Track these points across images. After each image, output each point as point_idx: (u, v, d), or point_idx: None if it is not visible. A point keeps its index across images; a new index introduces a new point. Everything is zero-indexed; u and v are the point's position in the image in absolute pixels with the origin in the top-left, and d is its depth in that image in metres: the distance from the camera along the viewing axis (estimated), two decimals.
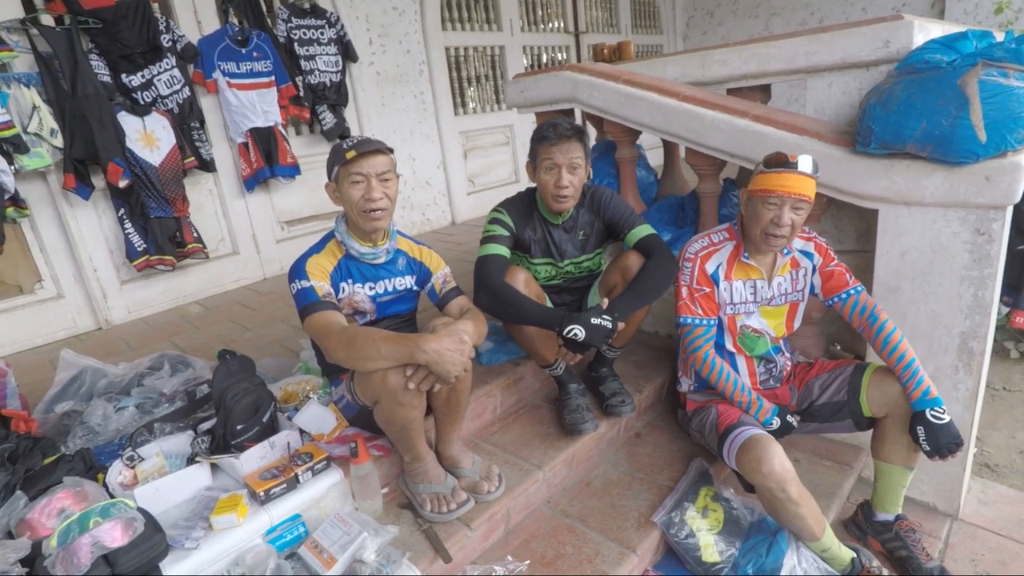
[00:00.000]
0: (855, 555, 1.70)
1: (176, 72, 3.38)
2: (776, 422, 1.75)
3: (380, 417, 1.56)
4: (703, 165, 2.30)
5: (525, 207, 2.02)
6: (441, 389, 1.55)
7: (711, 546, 1.74)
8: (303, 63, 3.99)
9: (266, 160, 3.80)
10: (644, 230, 1.96)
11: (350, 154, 1.57)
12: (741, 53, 2.27)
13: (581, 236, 2.05)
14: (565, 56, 6.39)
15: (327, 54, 4.09)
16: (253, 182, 3.82)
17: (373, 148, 1.60)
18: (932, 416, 1.60)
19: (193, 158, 3.48)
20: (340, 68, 4.19)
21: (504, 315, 1.85)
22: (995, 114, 1.50)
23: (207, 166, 3.60)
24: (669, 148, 2.94)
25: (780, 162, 1.63)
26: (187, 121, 3.47)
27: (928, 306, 1.85)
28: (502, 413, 2.17)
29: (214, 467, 1.60)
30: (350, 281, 1.70)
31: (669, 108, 2.24)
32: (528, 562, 1.66)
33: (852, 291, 1.76)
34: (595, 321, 1.68)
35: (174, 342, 2.99)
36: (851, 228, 2.17)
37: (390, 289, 1.76)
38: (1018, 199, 1.62)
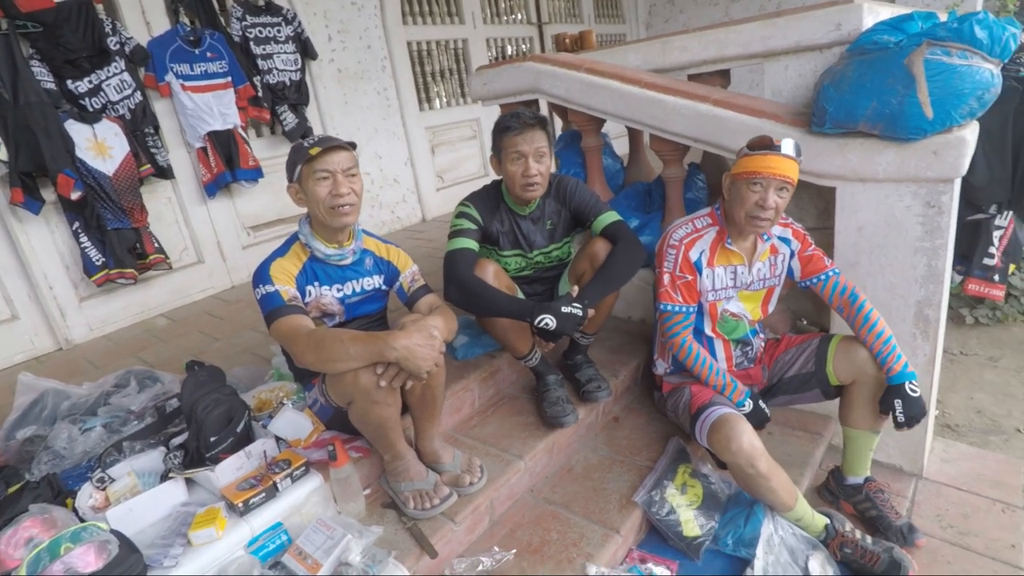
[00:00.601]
0: (828, 521, 1.76)
1: (126, 76, 3.27)
2: (748, 404, 1.80)
3: (355, 417, 1.55)
4: (667, 151, 2.33)
5: (492, 200, 2.02)
6: (415, 386, 1.55)
7: (691, 521, 1.79)
8: (260, 62, 3.90)
9: (227, 164, 3.71)
10: (610, 217, 1.98)
11: (314, 150, 1.55)
12: (700, 39, 2.29)
13: (549, 226, 2.06)
14: (529, 47, 6.38)
15: (285, 52, 4.01)
16: (214, 187, 3.73)
17: (337, 144, 1.58)
18: (910, 389, 1.66)
19: (149, 165, 3.37)
20: (299, 66, 4.11)
21: (475, 308, 1.86)
22: (940, 91, 1.56)
23: (164, 173, 3.50)
24: (634, 135, 2.97)
25: (764, 145, 1.65)
26: (140, 127, 3.36)
27: (885, 278, 1.91)
28: (480, 406, 2.18)
29: (189, 482, 1.58)
30: (316, 284, 1.68)
31: (631, 95, 2.26)
32: (514, 551, 1.67)
33: (831, 272, 1.80)
34: (565, 310, 1.69)
35: (140, 357, 2.91)
36: (811, 206, 2.22)
37: (358, 290, 1.75)
38: (964, 172, 1.69)
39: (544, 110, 2.73)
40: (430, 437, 1.75)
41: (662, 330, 1.90)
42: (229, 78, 3.68)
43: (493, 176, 2.04)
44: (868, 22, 1.92)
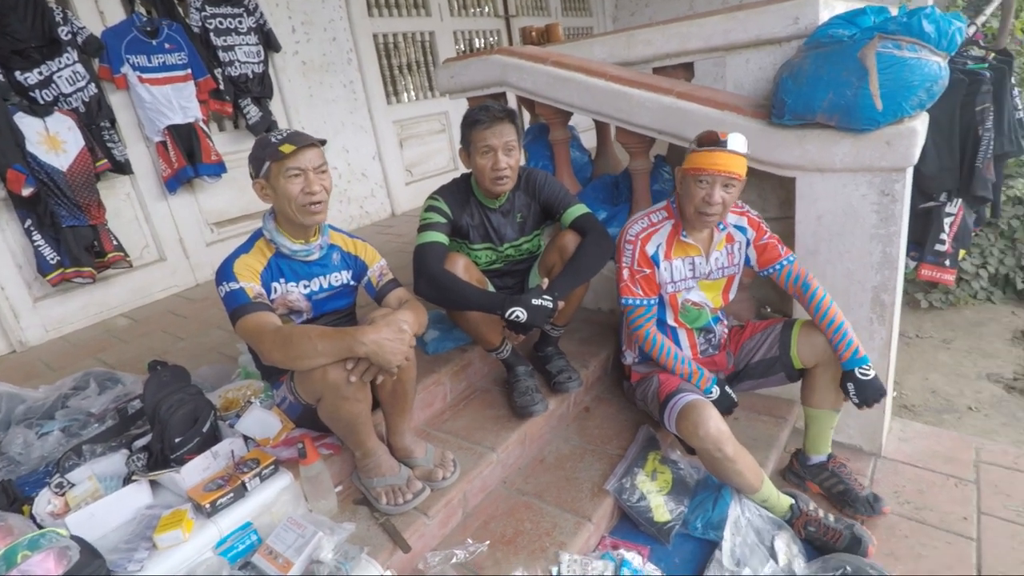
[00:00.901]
0: (793, 502, 1.82)
1: (79, 68, 3.16)
2: (715, 391, 1.84)
3: (325, 414, 1.54)
4: (633, 143, 2.35)
5: (461, 193, 2.01)
6: (385, 381, 1.55)
7: (662, 506, 1.82)
8: (221, 54, 3.80)
9: (188, 159, 3.62)
10: (579, 210, 2.00)
11: (287, 148, 1.50)
12: (664, 32, 2.32)
13: (519, 219, 2.06)
14: (496, 40, 6.36)
15: (247, 44, 3.92)
16: (175, 183, 3.63)
17: (309, 142, 1.55)
18: (860, 374, 1.72)
19: (106, 160, 3.26)
20: (262, 59, 4.02)
21: (445, 302, 1.85)
22: (891, 83, 1.61)
23: (122, 168, 3.39)
24: (601, 128, 2.99)
25: (711, 140, 1.68)
26: (96, 120, 3.25)
27: (843, 264, 1.98)
28: (452, 400, 2.18)
29: (154, 484, 1.54)
30: (282, 280, 1.65)
31: (597, 88, 2.27)
32: (488, 542, 1.69)
33: (785, 261, 1.85)
34: (536, 302, 1.71)
35: (100, 359, 2.83)
36: (773, 196, 2.28)
37: (325, 286, 1.72)
38: (916, 161, 1.75)
39: (512, 103, 2.73)
40: (401, 432, 1.75)
41: (627, 323, 1.93)
42: (189, 70, 3.58)
43: (463, 170, 2.03)
44: (824, 16, 1.97)
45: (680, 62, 2.34)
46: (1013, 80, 2.53)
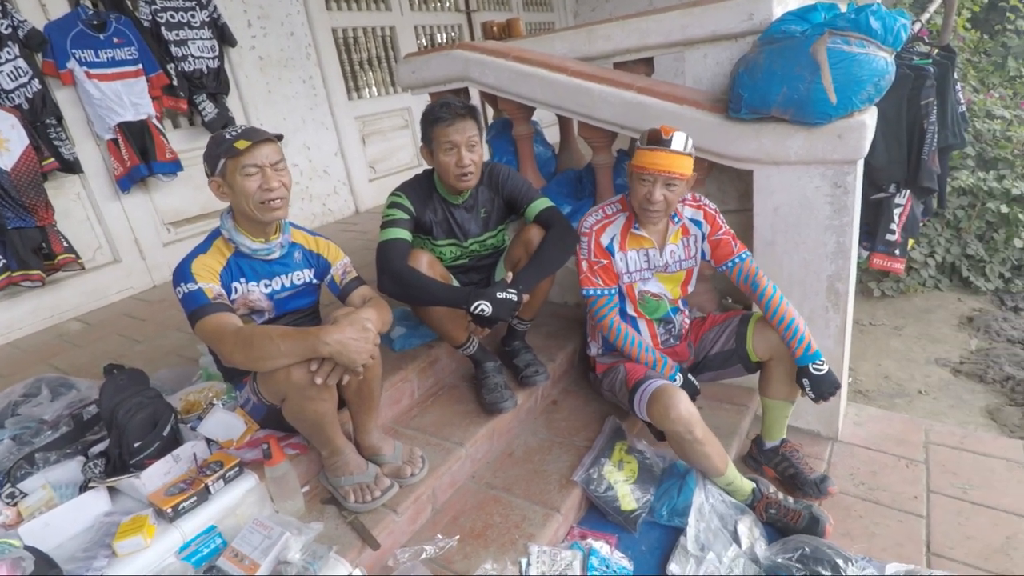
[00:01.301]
0: (755, 486, 1.88)
1: (21, 63, 3.02)
2: (679, 378, 1.87)
3: (290, 414, 1.52)
4: (595, 138, 2.38)
5: (424, 189, 2.00)
6: (352, 379, 1.53)
7: (628, 495, 1.86)
8: (174, 49, 3.68)
9: (141, 157, 3.50)
10: (542, 203, 2.01)
11: (242, 144, 1.47)
12: (624, 28, 2.35)
13: (483, 214, 2.07)
14: (458, 35, 6.33)
15: (201, 38, 3.81)
16: (128, 182, 3.51)
17: (265, 137, 1.51)
18: (814, 369, 1.78)
19: (53, 159, 3.13)
20: (217, 53, 3.91)
21: (410, 299, 1.85)
22: (841, 78, 1.67)
23: (71, 167, 3.26)
24: (564, 123, 3.01)
25: (654, 139, 1.71)
26: (41, 118, 3.11)
27: (800, 255, 2.04)
28: (420, 397, 2.17)
29: (113, 491, 1.50)
30: (243, 280, 1.61)
31: (559, 83, 2.29)
32: (458, 537, 1.69)
33: (737, 259, 1.89)
34: (501, 295, 1.71)
35: (53, 364, 2.73)
36: (732, 189, 2.33)
37: (287, 285, 1.70)
38: (866, 153, 1.82)
39: (475, 98, 2.73)
40: (368, 431, 1.73)
41: (590, 314, 1.97)
42: (140, 65, 3.47)
43: (426, 166, 2.02)
44: (777, 12, 2.02)
45: (640, 57, 2.37)
46: (955, 75, 2.65)
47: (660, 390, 1.76)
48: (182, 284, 1.50)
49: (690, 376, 1.92)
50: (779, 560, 1.65)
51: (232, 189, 1.53)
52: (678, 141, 1.70)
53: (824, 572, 1.56)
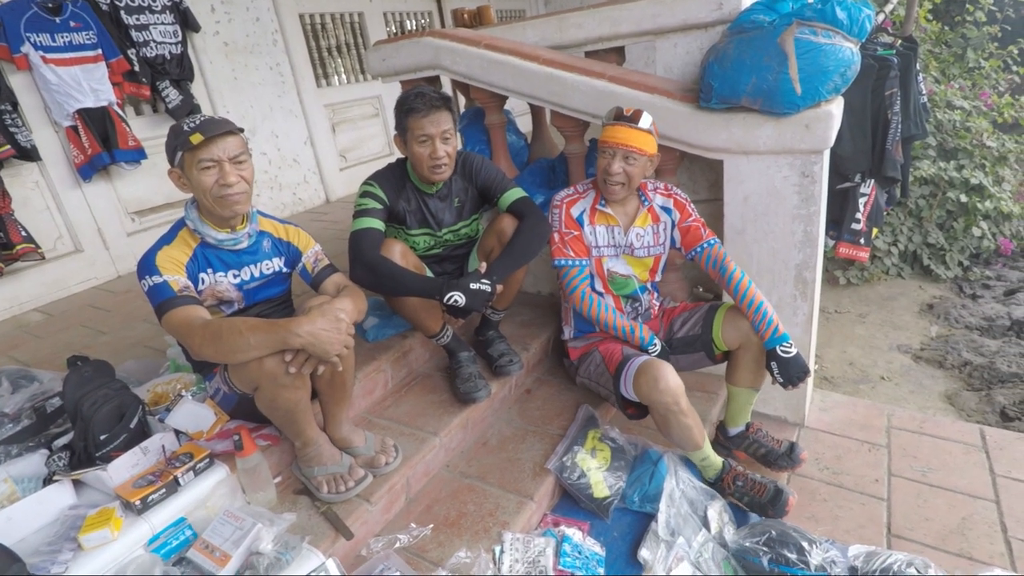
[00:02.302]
0: (725, 460, 1.92)
1: None
2: (658, 344, 1.91)
3: (262, 404, 1.50)
4: (568, 127, 2.38)
5: (397, 178, 1.98)
6: (325, 370, 1.51)
7: (601, 483, 1.88)
8: (134, 33, 3.58)
9: (103, 145, 3.40)
10: (515, 193, 2.01)
11: (196, 138, 1.42)
12: (595, 16, 2.34)
13: (456, 203, 2.06)
14: (428, 22, 6.26)
15: (162, 23, 3.70)
16: (90, 170, 3.40)
17: (222, 130, 1.46)
18: (782, 351, 1.80)
19: (9, 147, 3.03)
20: (180, 39, 3.81)
21: (383, 289, 1.83)
22: (808, 68, 1.69)
23: (28, 155, 3.15)
24: (536, 112, 3.01)
25: (618, 115, 1.81)
26: None
27: (768, 244, 2.08)
28: (394, 387, 2.16)
29: (78, 484, 1.47)
30: (210, 271, 1.57)
31: (531, 72, 2.28)
32: (432, 526, 1.69)
33: (705, 244, 1.93)
34: (474, 286, 1.71)
35: (13, 356, 2.65)
36: (703, 179, 2.36)
37: (256, 275, 1.66)
38: (832, 143, 1.85)
39: (447, 86, 2.70)
40: (340, 422, 1.72)
41: (562, 287, 1.99)
42: (99, 50, 3.36)
43: (398, 155, 2.00)
44: (746, 1, 2.04)
45: (612, 46, 2.38)
46: (918, 66, 2.71)
47: (645, 364, 1.77)
48: (147, 277, 1.46)
49: (664, 344, 1.96)
50: (747, 544, 1.69)
51: (191, 182, 1.49)
52: (639, 118, 1.78)
53: (790, 554, 1.61)
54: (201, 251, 1.56)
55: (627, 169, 1.81)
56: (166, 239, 1.55)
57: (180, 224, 1.58)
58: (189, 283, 1.50)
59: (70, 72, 3.24)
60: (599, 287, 2.01)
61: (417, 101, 1.81)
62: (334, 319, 1.42)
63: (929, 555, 1.67)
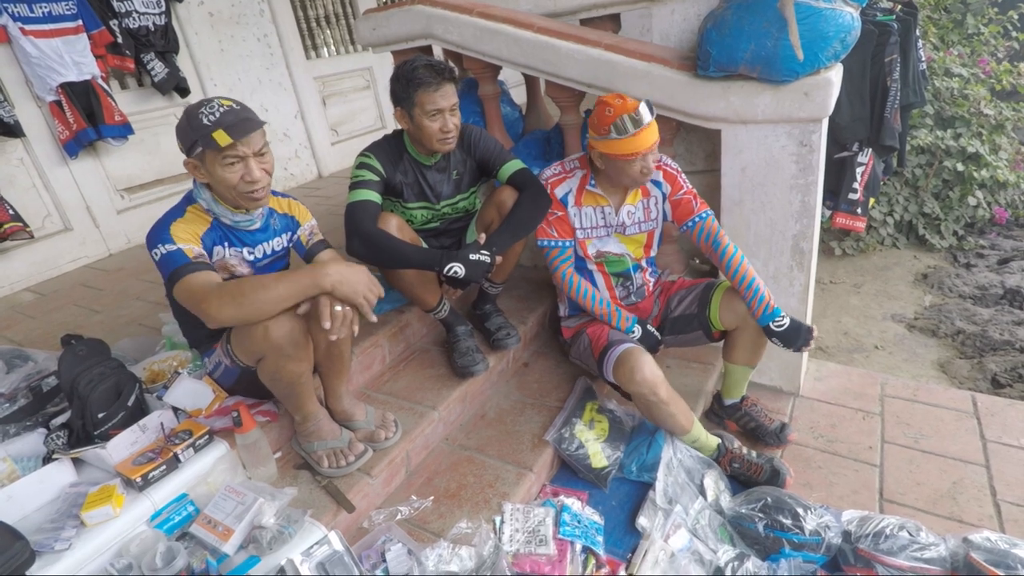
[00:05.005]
0: (720, 441, 1.94)
1: None
2: (637, 330, 1.91)
3: (265, 375, 1.48)
4: (563, 97, 2.34)
5: (394, 150, 1.95)
6: (320, 341, 1.50)
7: (599, 453, 1.90)
8: (116, 4, 3.47)
9: (88, 120, 3.33)
10: (515, 165, 1.98)
11: (223, 139, 1.35)
12: None
13: (455, 176, 2.03)
14: None
15: None
16: (76, 146, 3.34)
17: (250, 129, 1.40)
18: (775, 327, 1.82)
19: None
20: (163, 9, 3.70)
21: (381, 261, 1.81)
22: (808, 34, 1.66)
23: (11, 131, 3.08)
24: (531, 83, 2.96)
25: (635, 122, 1.66)
26: None
27: (766, 215, 2.07)
28: (392, 362, 2.16)
29: (78, 462, 1.47)
30: (226, 244, 1.54)
31: (525, 40, 2.23)
32: (432, 498, 1.71)
33: (698, 217, 1.90)
34: (473, 257, 1.70)
35: (6, 336, 2.63)
36: (700, 149, 2.34)
37: (268, 252, 1.64)
38: (831, 111, 1.83)
39: (439, 56, 2.65)
40: (339, 396, 1.72)
41: (547, 265, 1.98)
42: (79, 21, 3.26)
43: (392, 127, 1.96)
44: None
45: (607, 13, 2.32)
46: (917, 32, 2.67)
47: (625, 354, 1.79)
48: (160, 246, 1.40)
49: (649, 327, 1.95)
50: (743, 511, 1.72)
51: (212, 176, 1.44)
52: (647, 112, 1.67)
53: (785, 520, 1.64)
54: (218, 226, 1.53)
55: (654, 159, 1.77)
56: (176, 212, 1.49)
57: (190, 199, 1.52)
58: (204, 252, 1.46)
59: (51, 44, 3.15)
60: (589, 265, 1.99)
61: (426, 74, 1.75)
62: (356, 266, 1.40)
63: (921, 518, 1.70)
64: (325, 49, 5.08)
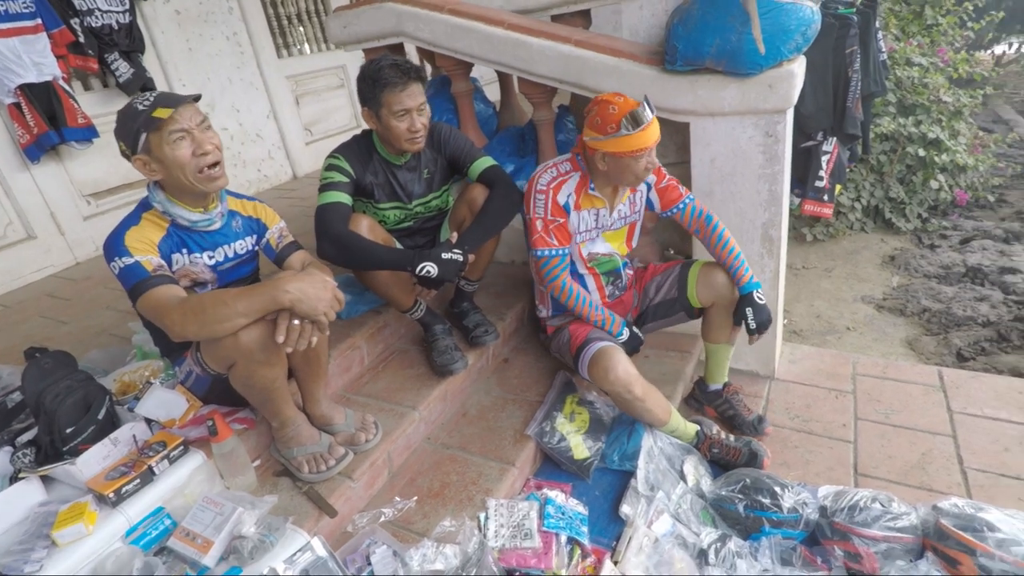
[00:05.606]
0: (699, 428, 1.97)
1: None
2: (626, 333, 1.93)
3: (238, 382, 1.47)
4: (535, 94, 2.34)
5: (363, 151, 1.93)
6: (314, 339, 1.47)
7: (580, 445, 1.92)
8: (78, 2, 3.36)
9: (50, 123, 3.22)
10: (485, 162, 1.98)
11: (163, 112, 1.34)
12: None
13: (426, 175, 2.02)
14: None
15: None
16: (37, 151, 3.23)
17: (185, 99, 1.40)
18: (757, 297, 1.85)
19: None
20: (127, 7, 3.60)
21: (353, 263, 1.80)
22: (770, 28, 1.69)
23: None
24: (504, 79, 2.95)
25: (639, 119, 1.64)
26: None
27: (736, 204, 2.10)
28: (370, 363, 2.15)
29: (47, 480, 1.43)
30: (185, 251, 1.52)
31: (496, 38, 2.23)
32: (416, 498, 1.71)
33: (687, 200, 1.92)
34: (446, 256, 1.70)
35: None
36: (671, 142, 2.35)
37: (231, 255, 1.62)
38: (795, 102, 1.87)
39: (412, 55, 2.63)
40: (318, 400, 1.71)
41: (540, 276, 1.93)
42: (39, 20, 3.15)
43: (366, 127, 1.94)
44: None
45: (577, 9, 2.33)
46: (877, 24, 2.73)
47: (599, 353, 1.81)
48: (116, 259, 1.38)
49: (634, 329, 1.98)
50: (723, 493, 1.75)
51: (163, 163, 1.41)
52: (649, 108, 1.65)
53: (764, 500, 1.68)
54: (174, 231, 1.50)
55: (655, 155, 1.74)
56: (131, 220, 1.47)
57: (144, 206, 1.50)
58: (163, 262, 1.44)
59: (8, 44, 3.04)
60: (580, 268, 1.98)
61: (392, 74, 1.73)
62: (319, 279, 1.38)
63: (893, 490, 1.76)
64: (297, 47, 5.00)
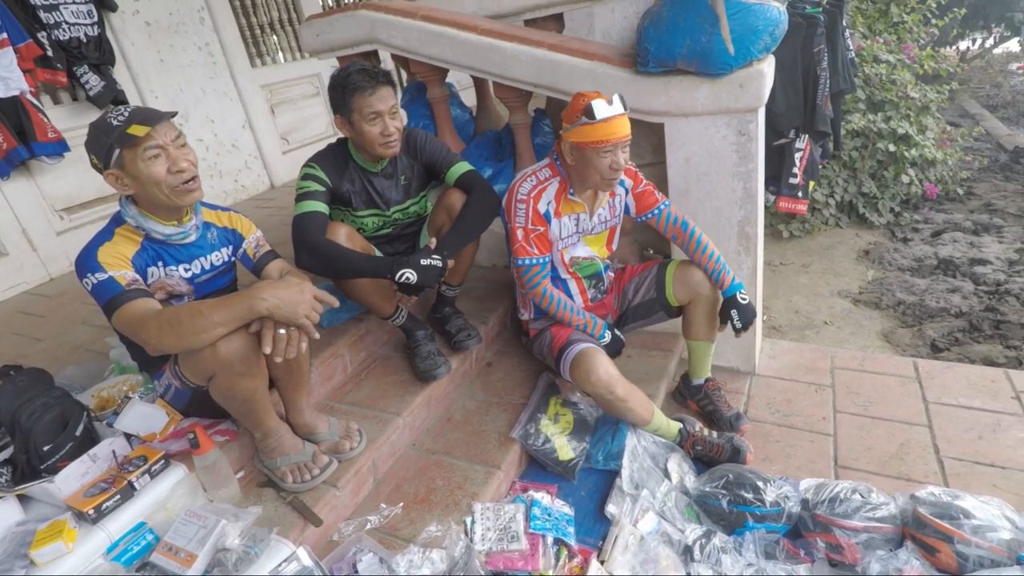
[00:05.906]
0: (681, 426, 2.00)
1: None
2: (608, 336, 1.95)
3: (218, 394, 1.45)
4: (511, 98, 2.36)
5: (339, 159, 1.93)
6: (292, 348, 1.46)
7: (565, 446, 1.93)
8: (43, 15, 3.31)
9: (19, 138, 3.16)
10: (462, 167, 1.99)
11: (139, 129, 1.33)
12: None
13: (403, 181, 2.02)
14: None
15: (74, 2, 3.44)
16: (7, 166, 3.17)
17: (162, 116, 1.39)
18: (741, 298, 1.89)
19: None
20: (96, 19, 3.56)
21: (330, 272, 1.79)
22: (739, 28, 1.73)
23: None
24: (479, 84, 2.96)
25: (604, 110, 1.65)
26: None
27: (712, 203, 2.13)
28: (353, 371, 2.14)
29: (24, 499, 1.41)
30: (160, 264, 1.50)
31: (470, 43, 2.24)
32: (401, 504, 1.71)
33: (663, 205, 1.94)
34: (425, 262, 1.70)
35: None
36: (646, 143, 2.38)
37: (207, 267, 1.60)
38: (766, 101, 1.90)
39: (387, 62, 2.63)
40: (300, 409, 1.70)
41: (521, 283, 1.95)
42: (4, 34, 3.09)
43: (341, 135, 1.93)
44: None
45: (550, 13, 2.35)
46: (844, 22, 2.80)
47: (581, 354, 1.82)
48: (89, 275, 1.37)
49: (616, 332, 1.99)
50: (707, 489, 1.77)
51: (136, 179, 1.39)
52: (619, 102, 1.67)
53: (746, 495, 1.70)
54: (149, 245, 1.49)
55: (624, 157, 1.72)
56: (104, 236, 1.45)
57: (117, 221, 1.48)
58: (137, 276, 1.42)
59: None
60: (562, 273, 1.99)
61: (360, 79, 1.74)
62: (295, 284, 1.37)
63: (872, 480, 1.79)
64: (270, 56, 4.97)
